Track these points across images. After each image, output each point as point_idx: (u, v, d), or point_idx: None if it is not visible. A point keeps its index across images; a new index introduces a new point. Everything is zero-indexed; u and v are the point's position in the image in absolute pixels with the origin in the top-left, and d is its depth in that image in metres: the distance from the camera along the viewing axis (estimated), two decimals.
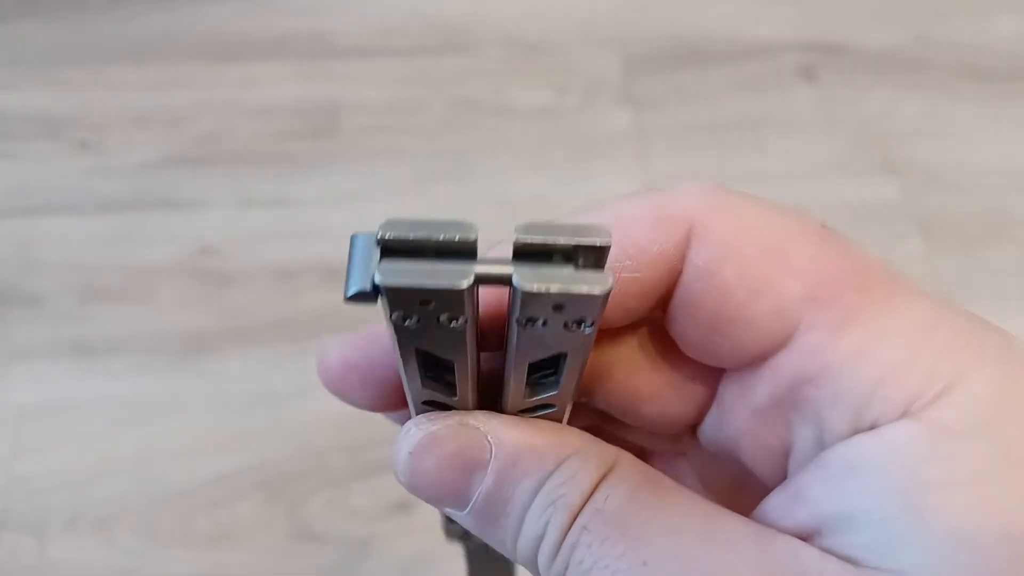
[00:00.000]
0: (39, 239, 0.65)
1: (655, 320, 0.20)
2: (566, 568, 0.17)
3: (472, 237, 0.15)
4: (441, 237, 0.15)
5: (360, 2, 0.77)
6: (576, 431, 0.18)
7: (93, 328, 0.62)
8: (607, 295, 0.14)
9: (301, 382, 0.60)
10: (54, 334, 0.61)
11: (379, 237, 0.15)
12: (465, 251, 0.15)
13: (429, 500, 0.18)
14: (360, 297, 0.15)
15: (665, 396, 0.20)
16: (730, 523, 0.17)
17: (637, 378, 0.20)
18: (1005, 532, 0.15)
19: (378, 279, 0.14)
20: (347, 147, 0.70)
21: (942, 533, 0.15)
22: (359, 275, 0.15)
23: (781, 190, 0.68)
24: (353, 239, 0.16)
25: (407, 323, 0.15)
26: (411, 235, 0.15)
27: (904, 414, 0.16)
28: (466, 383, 0.18)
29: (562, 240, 0.14)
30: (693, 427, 0.21)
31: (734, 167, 0.70)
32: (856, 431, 0.17)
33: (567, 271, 0.14)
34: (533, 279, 0.14)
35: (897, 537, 0.15)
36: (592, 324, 0.15)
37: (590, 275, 0.14)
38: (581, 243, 0.14)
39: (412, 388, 0.18)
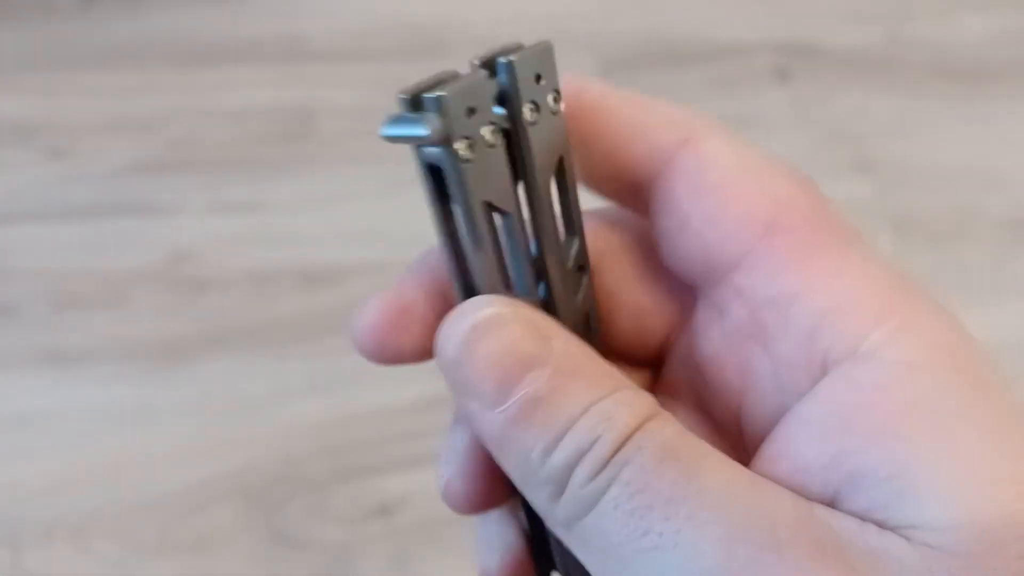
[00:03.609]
0: (11, 247, 0.64)
1: (642, 241, 0.21)
2: (609, 484, 0.16)
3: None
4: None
5: (334, 6, 0.77)
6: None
7: (67, 336, 0.61)
8: (550, 46, 0.19)
9: (278, 387, 0.60)
10: (28, 342, 0.61)
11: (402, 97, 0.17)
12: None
13: (465, 386, 0.17)
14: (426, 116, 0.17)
15: (643, 308, 0.21)
16: (772, 484, 0.17)
17: (620, 288, 0.21)
18: (1005, 473, 0.15)
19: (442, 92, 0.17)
20: (322, 151, 0.70)
21: (949, 482, 0.15)
22: (416, 116, 0.17)
23: None
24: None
25: (460, 151, 0.17)
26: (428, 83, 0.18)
27: (855, 350, 0.17)
28: (520, 232, 0.19)
29: (509, 51, 0.18)
30: (659, 366, 0.22)
31: None
32: (808, 363, 0.17)
33: None
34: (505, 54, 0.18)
35: (910, 492, 0.15)
36: (558, 97, 0.19)
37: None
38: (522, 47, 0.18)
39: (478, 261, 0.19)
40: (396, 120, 0.17)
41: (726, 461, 0.16)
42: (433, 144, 0.17)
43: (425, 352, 0.20)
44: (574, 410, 0.17)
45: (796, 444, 0.17)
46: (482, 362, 0.17)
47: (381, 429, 0.58)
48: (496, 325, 0.17)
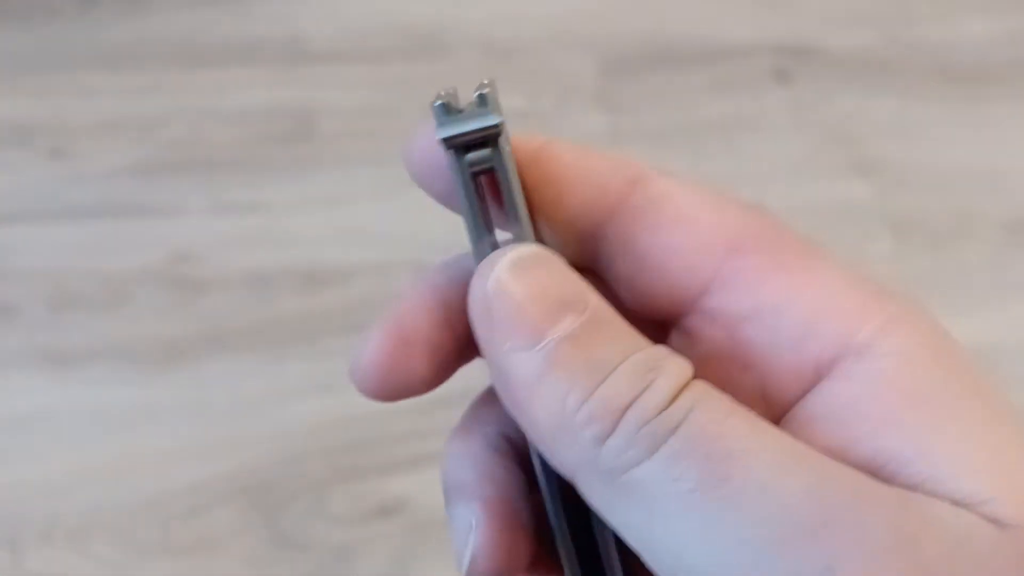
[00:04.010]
0: (11, 248, 0.64)
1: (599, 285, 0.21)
2: (676, 427, 0.15)
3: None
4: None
5: (334, 7, 0.77)
6: None
7: (67, 336, 0.61)
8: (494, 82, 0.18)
9: (278, 388, 0.60)
10: (27, 343, 0.61)
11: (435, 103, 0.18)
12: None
13: (500, 322, 0.17)
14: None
15: None
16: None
17: None
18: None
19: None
20: (322, 152, 0.70)
21: (980, 459, 0.15)
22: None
23: (754, 191, 0.68)
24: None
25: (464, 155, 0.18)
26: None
27: (847, 346, 0.17)
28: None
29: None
30: None
31: (708, 169, 0.70)
32: (798, 369, 0.17)
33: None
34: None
35: (944, 469, 0.15)
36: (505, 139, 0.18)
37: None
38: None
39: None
40: (450, 121, 0.17)
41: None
42: (494, 137, 0.17)
43: (433, 380, 0.19)
44: (616, 355, 0.16)
45: (804, 440, 0.17)
46: (521, 296, 0.17)
47: (381, 430, 0.58)
48: (538, 262, 0.17)
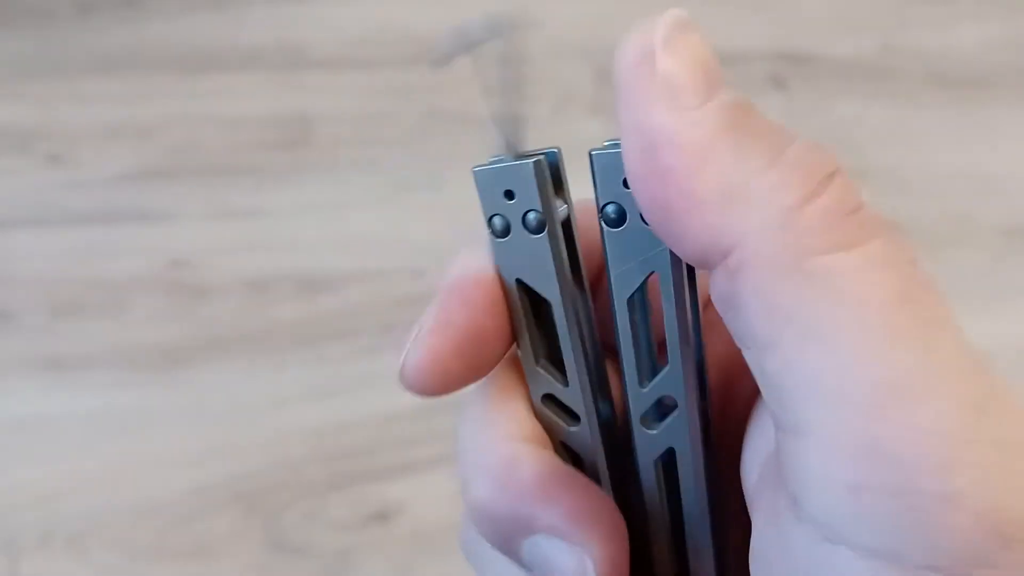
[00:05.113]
0: (9, 254, 0.64)
1: None
2: (872, 237, 0.14)
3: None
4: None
5: (332, 14, 0.77)
6: None
7: (65, 343, 0.61)
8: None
9: (276, 393, 0.60)
10: (25, 349, 0.61)
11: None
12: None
13: (664, 78, 0.14)
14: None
15: None
16: None
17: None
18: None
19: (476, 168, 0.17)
20: (320, 158, 0.70)
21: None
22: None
23: None
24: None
25: (497, 225, 0.17)
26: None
27: None
28: (568, 336, 0.18)
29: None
30: None
31: None
32: None
33: None
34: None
35: None
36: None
37: None
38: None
39: (528, 370, 0.18)
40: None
41: None
42: None
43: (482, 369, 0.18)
44: (786, 132, 0.14)
45: None
46: (691, 52, 0.15)
47: (379, 435, 0.58)
48: (699, 29, 0.15)
